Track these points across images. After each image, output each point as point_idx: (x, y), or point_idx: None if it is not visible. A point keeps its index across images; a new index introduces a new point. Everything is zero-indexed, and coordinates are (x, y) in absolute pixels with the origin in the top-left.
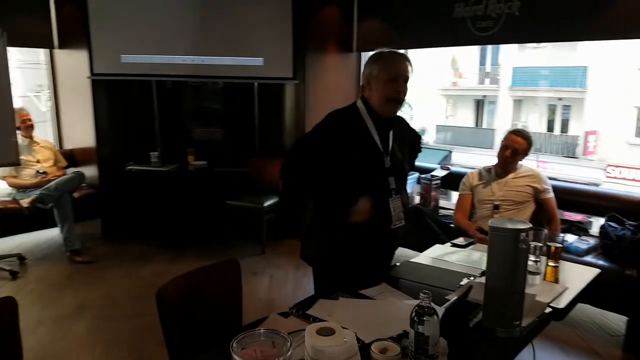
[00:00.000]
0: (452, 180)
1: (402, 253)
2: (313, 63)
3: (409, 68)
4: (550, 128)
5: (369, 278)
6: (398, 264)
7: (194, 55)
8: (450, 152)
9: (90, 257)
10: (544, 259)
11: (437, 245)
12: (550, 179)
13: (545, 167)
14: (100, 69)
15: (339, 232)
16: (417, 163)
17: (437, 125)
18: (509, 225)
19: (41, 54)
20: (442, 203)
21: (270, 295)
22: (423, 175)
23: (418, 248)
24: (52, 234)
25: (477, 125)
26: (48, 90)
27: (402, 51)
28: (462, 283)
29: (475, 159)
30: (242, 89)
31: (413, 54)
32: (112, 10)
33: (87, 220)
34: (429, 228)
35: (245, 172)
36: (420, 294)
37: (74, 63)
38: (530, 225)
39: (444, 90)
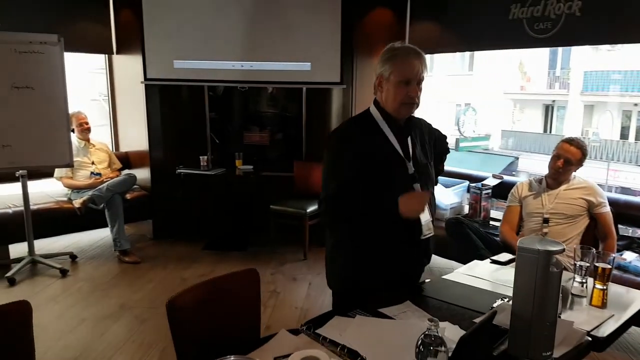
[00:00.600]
0: (505, 190)
1: (445, 265)
2: (362, 67)
3: (423, 68)
4: (624, 135)
5: (395, 294)
6: (428, 280)
7: (244, 61)
8: (517, 158)
9: (137, 258)
10: (591, 280)
11: (475, 262)
12: (623, 189)
13: (617, 177)
14: (154, 74)
15: (365, 248)
16: (468, 171)
17: (502, 131)
18: (539, 246)
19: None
20: (494, 214)
21: (306, 304)
22: (473, 184)
23: (460, 261)
24: (104, 234)
25: (545, 131)
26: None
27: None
28: (494, 305)
29: (543, 167)
30: (290, 93)
31: (479, 56)
32: (165, 17)
33: (140, 221)
34: (470, 241)
35: (291, 176)
36: (427, 321)
37: (130, 68)
38: (562, 246)
39: (510, 94)
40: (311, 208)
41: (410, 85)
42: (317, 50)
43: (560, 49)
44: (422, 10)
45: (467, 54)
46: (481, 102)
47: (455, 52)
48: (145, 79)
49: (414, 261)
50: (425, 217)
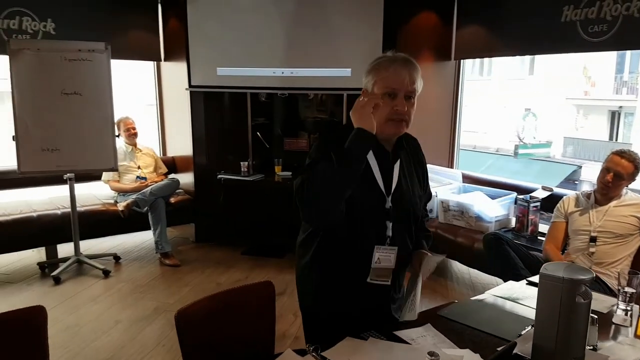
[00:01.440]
0: (556, 203)
1: (489, 281)
2: None
3: (415, 79)
4: None
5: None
6: (456, 300)
7: (285, 68)
8: (580, 167)
9: (177, 261)
10: (637, 308)
11: (510, 283)
12: None
13: None
14: (198, 81)
15: (333, 273)
16: (515, 182)
17: (564, 138)
18: (564, 273)
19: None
20: (543, 228)
21: None
22: (521, 196)
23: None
24: (149, 236)
25: (611, 139)
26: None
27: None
28: (522, 332)
29: None
30: (331, 99)
31: (540, 59)
32: (209, 25)
33: (183, 224)
34: (508, 259)
35: None
36: (427, 355)
37: (176, 75)
38: (592, 274)
39: (573, 99)
40: None
41: (397, 99)
42: (358, 55)
43: (628, 52)
44: (469, 14)
45: (528, 57)
46: (542, 108)
47: (504, 56)
48: (190, 85)
49: (367, 302)
50: (384, 259)
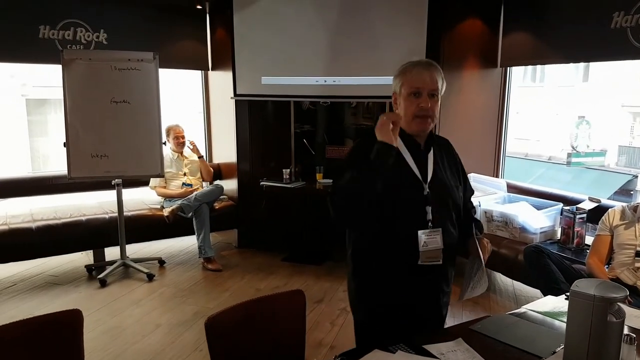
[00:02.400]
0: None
1: (532, 294)
2: (449, 79)
3: (436, 79)
4: None
5: (415, 325)
6: (490, 315)
7: (327, 76)
8: (635, 176)
9: (219, 266)
10: None
11: (549, 297)
12: None
13: None
14: (243, 89)
15: (372, 269)
16: (562, 192)
17: (619, 146)
18: (595, 291)
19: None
20: (590, 241)
21: None
22: (567, 207)
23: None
24: (194, 241)
25: None
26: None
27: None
28: (557, 350)
29: None
30: (377, 106)
31: (594, 65)
32: (254, 36)
33: (227, 229)
34: (549, 273)
35: None
36: None
37: (222, 84)
38: (625, 292)
39: (630, 107)
40: None
41: (420, 97)
42: (401, 63)
43: None
44: (516, 20)
45: (582, 63)
46: (596, 115)
47: (552, 64)
48: (235, 94)
49: (418, 291)
50: (431, 242)
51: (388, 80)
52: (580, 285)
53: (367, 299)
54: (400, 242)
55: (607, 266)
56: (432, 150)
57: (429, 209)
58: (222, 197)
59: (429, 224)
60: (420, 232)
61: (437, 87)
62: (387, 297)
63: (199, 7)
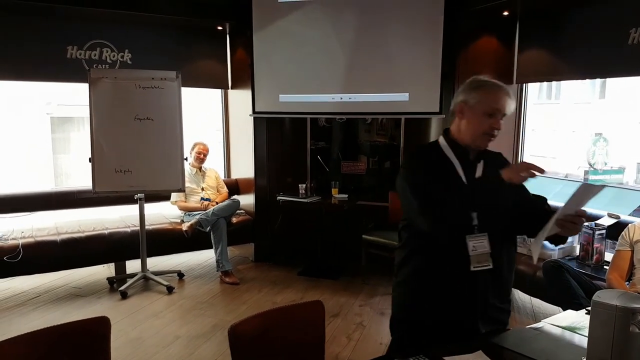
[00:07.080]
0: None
1: (550, 310)
2: None
3: (510, 103)
4: None
5: (457, 335)
6: (510, 328)
7: (343, 94)
8: None
9: (237, 279)
10: None
11: (569, 312)
12: None
13: None
14: (261, 107)
15: (418, 278)
16: (584, 209)
17: (638, 163)
18: (618, 301)
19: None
20: (609, 257)
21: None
22: (586, 223)
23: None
24: (212, 255)
25: None
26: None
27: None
28: None
29: None
30: (391, 123)
31: (611, 83)
32: (273, 55)
33: (244, 243)
34: (568, 288)
35: (385, 206)
36: None
37: (241, 102)
38: None
39: None
40: None
41: (494, 118)
42: (416, 80)
43: None
44: (531, 37)
45: (598, 80)
46: (614, 132)
47: (567, 80)
48: (254, 112)
49: (467, 295)
50: (479, 247)
51: (403, 97)
52: (602, 296)
53: (413, 310)
54: (450, 247)
55: (627, 282)
56: (482, 162)
57: (474, 215)
58: (239, 211)
59: (475, 229)
60: (467, 237)
61: (508, 112)
62: (436, 309)
63: (219, 28)
